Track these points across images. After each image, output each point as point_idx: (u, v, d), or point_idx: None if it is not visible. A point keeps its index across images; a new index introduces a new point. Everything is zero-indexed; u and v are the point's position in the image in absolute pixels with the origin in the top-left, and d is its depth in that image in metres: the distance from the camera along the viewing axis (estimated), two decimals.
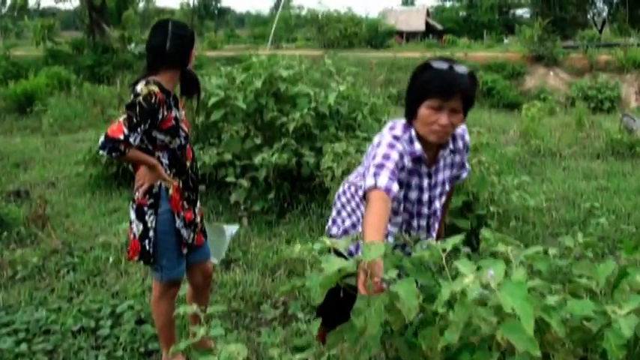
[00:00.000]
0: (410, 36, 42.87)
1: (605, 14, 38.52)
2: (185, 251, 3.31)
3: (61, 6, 43.49)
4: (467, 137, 2.70)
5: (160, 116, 3.04)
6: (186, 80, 3.32)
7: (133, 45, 23.59)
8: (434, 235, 2.79)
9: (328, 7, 33.85)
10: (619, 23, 30.76)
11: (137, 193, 3.18)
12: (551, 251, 2.13)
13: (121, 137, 2.90)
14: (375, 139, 2.53)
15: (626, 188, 7.25)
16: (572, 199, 6.94)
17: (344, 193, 2.88)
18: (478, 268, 1.55)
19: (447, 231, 3.17)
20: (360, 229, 2.76)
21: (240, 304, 4.41)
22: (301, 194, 6.47)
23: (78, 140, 10.47)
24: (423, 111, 2.37)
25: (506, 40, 34.35)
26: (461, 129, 2.61)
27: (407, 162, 2.50)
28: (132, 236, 3.24)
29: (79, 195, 7.24)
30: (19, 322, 4.00)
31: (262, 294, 4.57)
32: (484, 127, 9.17)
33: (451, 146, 2.59)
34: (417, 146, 2.48)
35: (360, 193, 2.70)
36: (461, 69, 2.34)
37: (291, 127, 6.19)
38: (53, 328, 3.99)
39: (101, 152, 2.96)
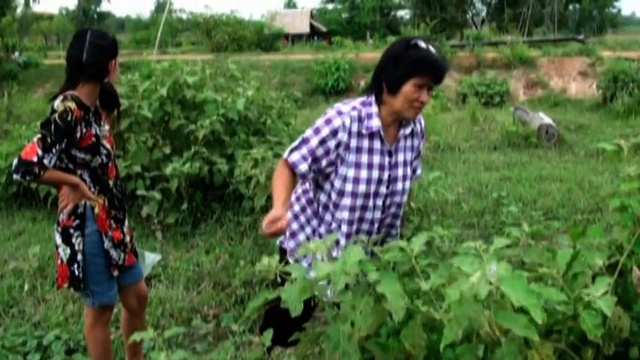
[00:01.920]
0: (295, 38, 43.16)
1: (484, 14, 40.38)
2: (116, 273, 3.11)
3: None
4: (422, 122, 2.78)
5: (78, 134, 2.85)
6: (105, 93, 3.09)
7: (17, 54, 22.47)
8: (396, 226, 2.79)
9: (213, 11, 33.34)
10: (498, 22, 32.29)
11: (61, 215, 2.97)
12: (500, 242, 2.16)
13: (34, 159, 2.71)
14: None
15: (528, 177, 7.58)
16: (479, 190, 7.18)
17: (297, 200, 2.82)
18: (478, 265, 1.54)
19: None
20: (315, 239, 2.71)
21: (170, 321, 4.25)
22: (215, 202, 6.34)
23: None
24: (408, 88, 2.44)
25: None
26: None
27: (346, 138, 2.53)
28: (59, 262, 3.02)
29: None
30: None
31: (191, 309, 4.42)
32: None
33: (412, 126, 2.65)
34: (375, 122, 2.54)
35: (315, 204, 2.69)
36: (435, 48, 2.48)
37: (201, 134, 6.04)
38: None
39: (15, 177, 2.76)
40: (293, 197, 2.85)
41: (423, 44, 2.44)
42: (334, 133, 2.52)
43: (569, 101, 16.99)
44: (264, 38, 30.73)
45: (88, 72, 2.90)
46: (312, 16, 51.63)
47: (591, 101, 15.99)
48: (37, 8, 39.26)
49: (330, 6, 57.67)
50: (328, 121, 2.54)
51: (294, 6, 66.41)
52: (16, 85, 16.60)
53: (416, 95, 2.44)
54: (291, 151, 2.60)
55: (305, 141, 2.57)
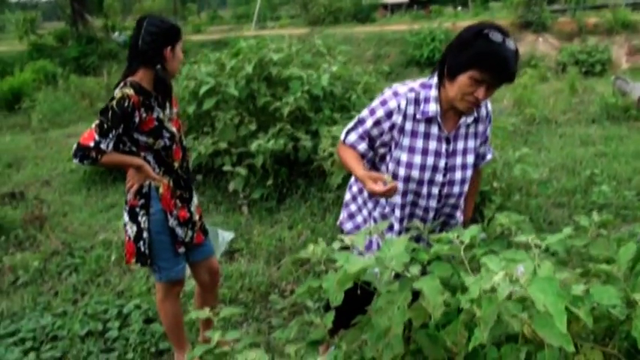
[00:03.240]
0: (395, 8, 42.47)
1: None
2: (182, 250, 3.24)
3: None
4: (489, 106, 2.63)
5: (137, 119, 2.94)
6: (158, 81, 3.10)
7: (116, 34, 23.23)
8: (456, 216, 2.72)
9: None
10: None
11: (128, 195, 3.11)
12: (566, 231, 2.07)
13: (92, 144, 2.84)
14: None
15: (625, 152, 7.20)
16: (572, 167, 6.89)
17: (356, 181, 2.80)
18: (506, 264, 1.49)
19: None
20: (371, 223, 2.70)
21: (248, 296, 4.37)
22: (300, 179, 6.40)
23: (69, 135, 10.32)
24: (464, 79, 2.31)
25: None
26: None
27: (400, 121, 2.46)
28: (127, 239, 3.18)
29: (74, 192, 7.16)
30: (24, 331, 3.94)
31: (269, 284, 4.53)
32: None
33: (475, 114, 2.53)
34: (432, 107, 2.45)
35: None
36: (511, 45, 2.27)
37: (285, 111, 6.10)
38: (60, 333, 3.94)
39: (74, 160, 2.89)
40: (353, 178, 2.84)
41: (496, 37, 2.24)
42: (389, 114, 2.47)
43: None
44: (360, 9, 30.42)
45: (142, 58, 2.98)
46: None
47: None
48: None
49: None
50: (384, 102, 2.49)
51: None
52: (116, 65, 17.17)
53: (471, 89, 2.31)
54: (348, 132, 2.60)
55: (361, 122, 2.55)
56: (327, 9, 28.38)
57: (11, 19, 24.07)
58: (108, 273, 4.83)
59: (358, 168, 2.45)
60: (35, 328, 3.98)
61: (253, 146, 5.95)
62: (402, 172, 2.51)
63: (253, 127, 6.33)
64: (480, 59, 2.25)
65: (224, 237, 4.19)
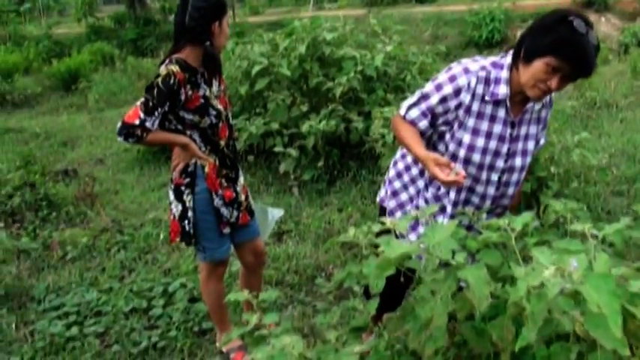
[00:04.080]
0: None
1: None
2: (227, 230, 3.18)
3: None
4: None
5: (183, 97, 2.87)
6: (206, 57, 3.03)
7: (174, 16, 23.34)
8: (506, 206, 2.58)
9: None
10: None
11: (174, 173, 3.06)
12: (624, 221, 1.91)
13: (137, 122, 2.77)
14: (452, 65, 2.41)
15: None
16: (632, 153, 6.58)
17: (402, 158, 2.68)
18: (558, 257, 1.36)
19: None
20: (419, 202, 2.58)
21: (294, 278, 4.31)
22: (351, 161, 6.30)
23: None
24: (539, 65, 2.16)
25: None
26: None
27: (468, 100, 2.31)
28: (172, 217, 3.13)
29: (127, 171, 7.22)
30: (69, 305, 3.98)
31: (316, 266, 4.46)
32: None
33: (543, 100, 2.37)
34: (503, 89, 2.30)
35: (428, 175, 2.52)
36: (594, 38, 2.11)
37: (338, 92, 5.98)
38: (104, 309, 3.96)
39: (119, 139, 2.84)
40: (398, 154, 2.71)
41: (581, 27, 2.10)
42: (457, 92, 2.32)
43: None
44: None
45: (190, 34, 2.89)
46: None
47: None
48: None
49: None
50: (452, 78, 2.34)
51: None
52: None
53: (545, 76, 2.16)
54: (410, 107, 2.45)
55: (425, 97, 2.40)
56: None
57: (71, 3, 24.46)
58: (156, 251, 4.84)
59: (419, 148, 2.32)
60: (80, 302, 4.01)
61: (305, 127, 5.86)
62: (462, 153, 2.38)
63: (305, 107, 6.24)
64: (560, 46, 2.11)
65: (274, 215, 4.11)
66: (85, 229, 5.29)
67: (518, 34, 2.66)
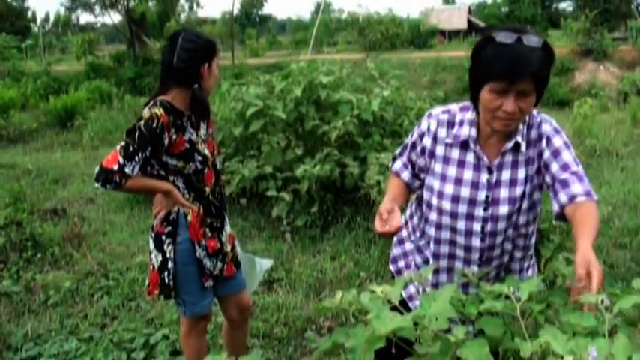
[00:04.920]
0: (452, 35, 42.29)
1: None
2: (210, 283, 2.97)
3: (107, 20, 44.44)
4: (544, 127, 2.14)
5: (167, 141, 2.70)
6: (194, 100, 2.86)
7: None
8: (517, 258, 2.31)
9: (369, 9, 33.24)
10: None
11: (155, 221, 2.89)
12: (636, 284, 1.75)
13: (115, 168, 2.60)
14: None
15: None
16: (635, 204, 6.46)
17: (410, 206, 2.52)
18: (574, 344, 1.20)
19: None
20: (414, 256, 2.42)
21: (283, 331, 4.11)
22: (346, 207, 6.15)
23: None
24: (485, 95, 1.95)
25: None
26: (538, 118, 2.16)
27: (430, 144, 2.17)
28: (151, 267, 2.94)
29: (117, 211, 7.04)
30: (46, 355, 3.77)
31: (306, 318, 4.26)
32: None
33: (518, 138, 2.08)
34: (465, 131, 2.11)
35: (421, 225, 2.38)
36: (532, 40, 1.89)
37: (333, 135, 5.88)
38: None
39: (96, 185, 2.66)
40: (407, 213, 2.56)
41: (506, 38, 1.90)
42: (421, 136, 2.21)
43: None
44: (417, 35, 30.25)
45: (177, 76, 2.76)
46: (470, 11, 50.56)
47: None
48: (200, 13, 41.41)
49: (490, 0, 56.24)
50: (418, 124, 2.25)
51: (453, 2, 65.37)
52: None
53: (496, 103, 1.94)
54: (394, 159, 2.38)
55: (405, 147, 2.32)
56: (383, 34, 28.28)
57: (73, 41, 24.67)
58: (140, 298, 4.64)
59: (386, 199, 2.19)
60: (58, 352, 3.80)
61: (299, 171, 5.74)
62: (434, 201, 2.20)
63: (300, 151, 6.13)
64: (490, 67, 1.92)
65: (262, 266, 3.95)
66: (69, 272, 5.10)
67: None
